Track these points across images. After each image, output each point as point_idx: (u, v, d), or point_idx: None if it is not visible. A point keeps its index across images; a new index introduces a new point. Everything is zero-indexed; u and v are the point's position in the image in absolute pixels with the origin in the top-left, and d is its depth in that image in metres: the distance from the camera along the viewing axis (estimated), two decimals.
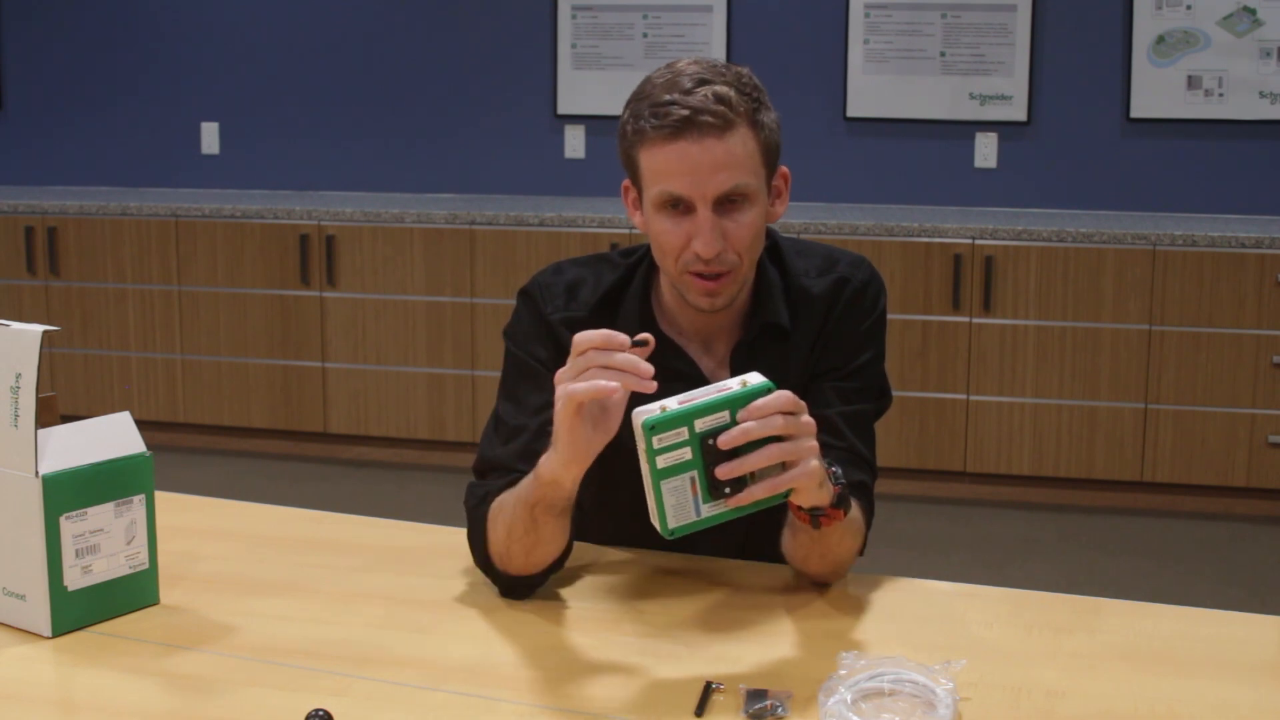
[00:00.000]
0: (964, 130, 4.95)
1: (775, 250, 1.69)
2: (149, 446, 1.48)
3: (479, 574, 1.58)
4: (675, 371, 1.61)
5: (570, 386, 1.33)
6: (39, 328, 1.38)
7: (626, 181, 1.63)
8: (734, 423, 1.30)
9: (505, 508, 1.51)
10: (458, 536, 1.66)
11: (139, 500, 1.47)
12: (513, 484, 1.52)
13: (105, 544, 1.44)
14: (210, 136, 5.61)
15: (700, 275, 1.56)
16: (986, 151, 4.94)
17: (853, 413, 1.65)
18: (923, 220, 4.53)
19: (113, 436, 1.45)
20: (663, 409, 1.29)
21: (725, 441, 1.30)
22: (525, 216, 4.73)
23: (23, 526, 1.40)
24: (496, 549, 1.52)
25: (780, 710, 1.24)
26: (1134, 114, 4.80)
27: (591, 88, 5.21)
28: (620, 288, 1.69)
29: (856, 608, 1.53)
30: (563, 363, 1.60)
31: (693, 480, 1.31)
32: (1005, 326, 4.44)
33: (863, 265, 1.72)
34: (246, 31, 5.51)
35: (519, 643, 1.43)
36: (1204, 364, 4.33)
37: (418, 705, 1.28)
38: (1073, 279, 4.37)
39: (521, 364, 1.66)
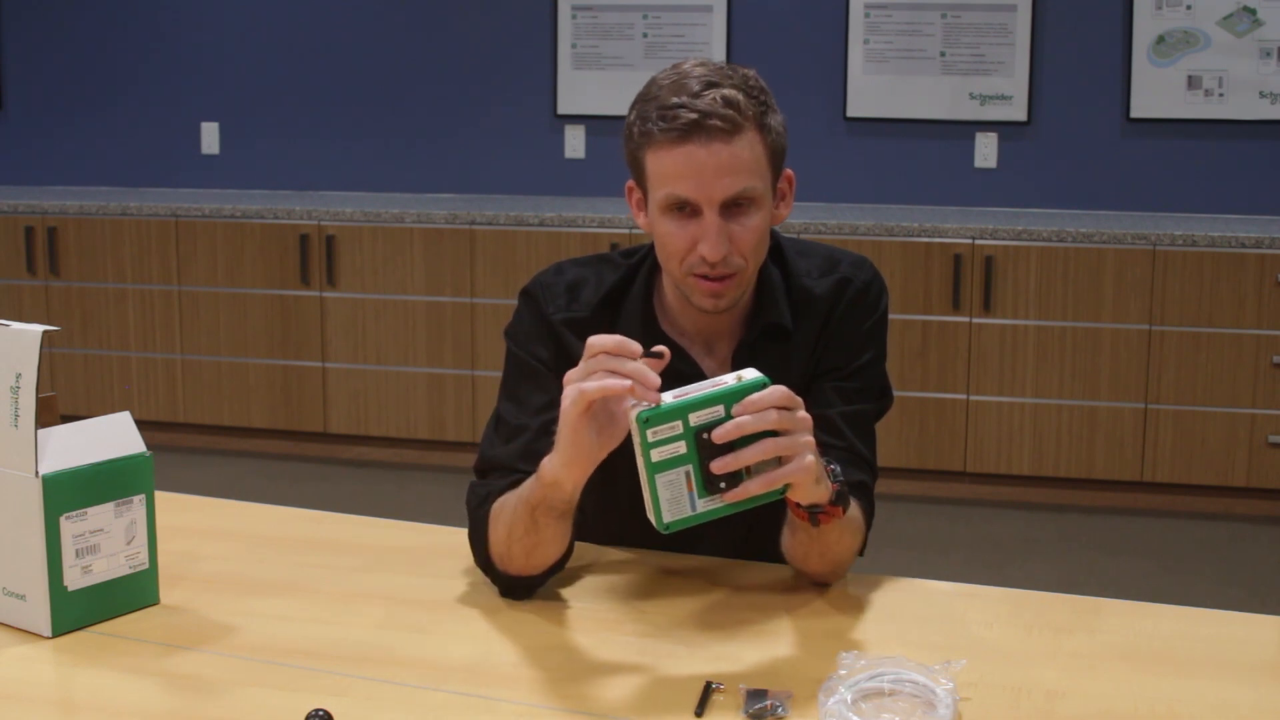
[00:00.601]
0: (964, 130, 4.95)
1: (777, 251, 1.69)
2: (149, 446, 1.48)
3: (479, 574, 1.58)
4: (677, 372, 1.61)
5: (582, 385, 1.33)
6: (39, 328, 1.37)
7: (631, 182, 1.63)
8: (729, 417, 1.30)
9: (507, 508, 1.51)
10: (458, 536, 1.66)
11: (139, 500, 1.47)
12: (515, 484, 1.52)
13: (105, 544, 1.44)
14: (210, 136, 5.61)
15: (705, 277, 1.56)
16: (986, 151, 4.94)
17: (853, 413, 1.65)
18: (923, 220, 4.53)
19: (113, 436, 1.45)
20: (657, 403, 1.30)
21: (720, 435, 1.30)
22: (525, 216, 4.73)
23: (23, 526, 1.40)
24: (497, 549, 1.52)
25: (780, 710, 1.24)
26: (1134, 114, 4.80)
27: (591, 88, 5.21)
28: (622, 288, 1.69)
29: (856, 608, 1.53)
30: (564, 363, 1.61)
31: (688, 475, 1.31)
32: (1005, 326, 4.44)
33: (865, 266, 1.72)
34: (246, 31, 5.51)
35: (519, 643, 1.43)
36: (1204, 364, 4.33)
37: (418, 705, 1.28)
38: (1073, 279, 4.37)
39: (523, 364, 1.66)
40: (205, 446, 5.14)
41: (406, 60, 5.39)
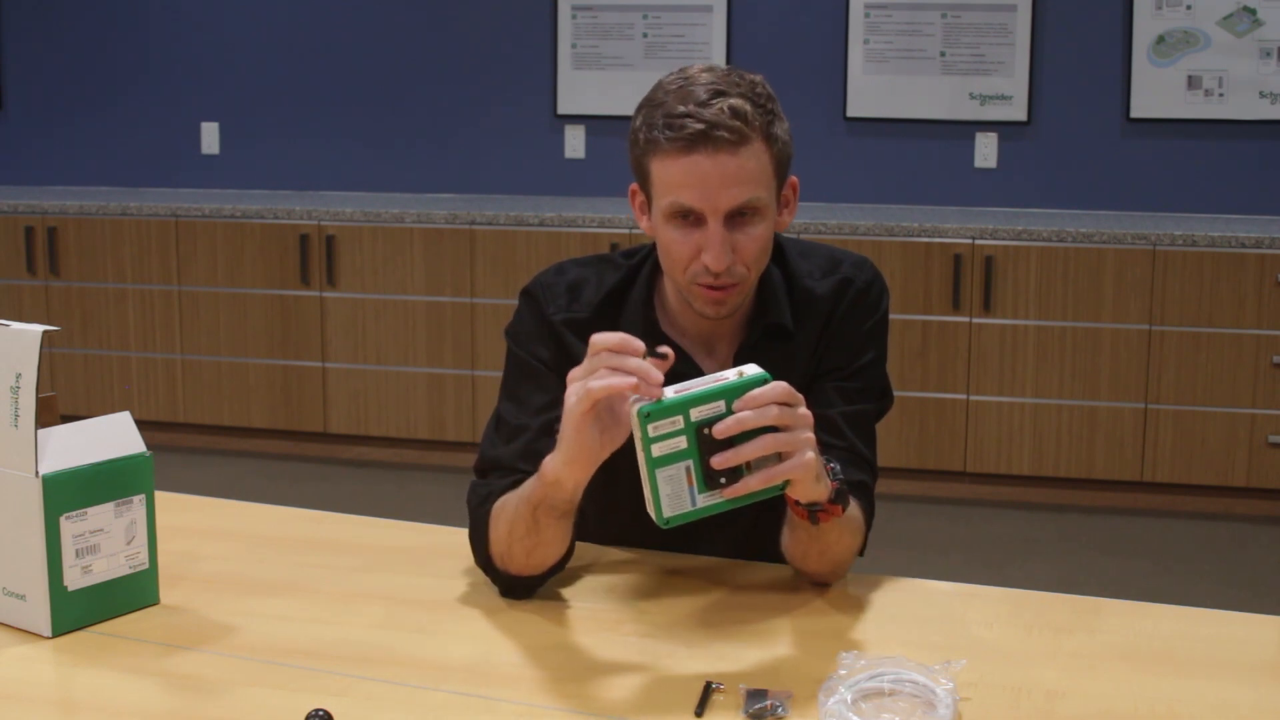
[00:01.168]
0: (964, 130, 4.95)
1: (778, 252, 1.69)
2: (149, 446, 1.48)
3: (479, 574, 1.58)
4: (678, 373, 1.60)
5: (588, 384, 1.33)
6: (39, 328, 1.37)
7: (634, 185, 1.62)
8: (729, 413, 1.31)
9: (508, 508, 1.51)
10: (458, 536, 1.66)
11: (139, 500, 1.47)
12: (516, 484, 1.52)
13: (105, 544, 1.44)
14: (210, 136, 5.61)
15: (708, 286, 1.56)
16: (986, 151, 4.94)
17: (854, 413, 1.65)
18: (923, 220, 4.54)
19: (113, 436, 1.45)
20: (659, 398, 1.30)
21: (720, 431, 1.30)
22: (525, 216, 4.73)
23: (23, 526, 1.40)
24: (498, 548, 1.52)
25: (780, 710, 1.24)
26: (1134, 114, 4.80)
27: (591, 88, 5.21)
28: (623, 289, 1.69)
29: (856, 608, 1.53)
30: (564, 363, 1.61)
31: (688, 470, 1.31)
32: (1005, 326, 4.44)
33: (866, 266, 1.72)
34: (246, 31, 5.51)
35: (519, 643, 1.43)
36: (1204, 364, 4.33)
37: (418, 705, 1.28)
38: (1073, 279, 4.37)
39: (523, 364, 1.66)
40: (205, 446, 5.14)
41: (406, 60, 5.39)
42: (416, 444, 4.98)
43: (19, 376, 1.39)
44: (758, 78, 1.55)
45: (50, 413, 1.50)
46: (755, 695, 1.26)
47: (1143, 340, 4.35)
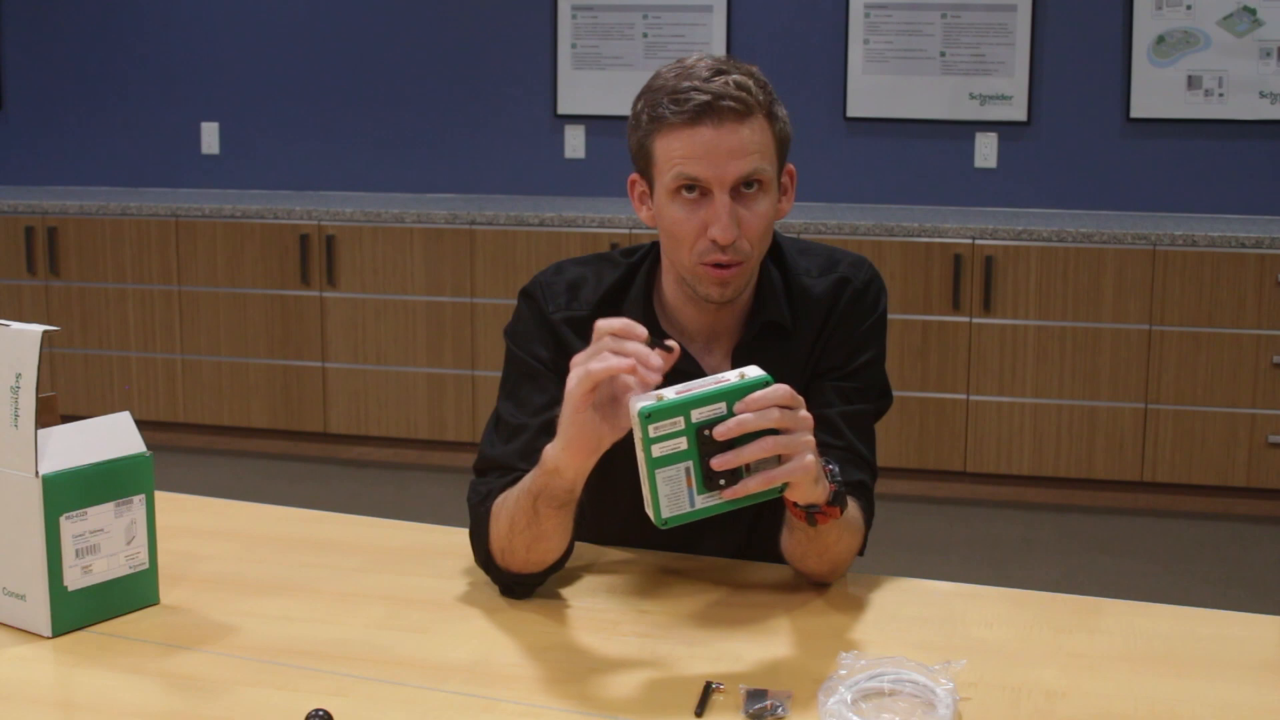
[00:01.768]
0: (964, 130, 4.95)
1: (776, 250, 1.69)
2: (149, 446, 1.48)
3: (479, 574, 1.58)
4: (677, 370, 1.60)
5: (589, 365, 1.33)
6: (39, 328, 1.38)
7: (634, 175, 1.63)
8: (730, 414, 1.31)
9: (509, 503, 1.51)
10: (458, 536, 1.66)
11: (139, 500, 1.47)
12: (515, 483, 1.52)
13: (105, 544, 1.44)
14: (210, 136, 5.61)
15: (713, 265, 1.56)
16: (986, 151, 4.94)
17: (853, 412, 1.66)
18: (923, 220, 4.53)
19: (113, 436, 1.45)
20: (659, 398, 1.30)
21: (721, 433, 1.30)
22: (525, 216, 4.73)
23: (23, 526, 1.40)
24: (498, 544, 1.52)
25: (780, 710, 1.24)
26: (1134, 114, 4.80)
27: (591, 88, 5.21)
28: (622, 287, 1.69)
29: (856, 608, 1.53)
30: (564, 362, 1.61)
31: (688, 471, 1.31)
32: (1005, 326, 4.44)
33: (864, 266, 1.72)
34: (246, 31, 5.51)
35: (519, 642, 1.43)
36: (1204, 364, 4.33)
37: (418, 705, 1.28)
38: (1073, 279, 4.37)
39: (522, 364, 1.67)
40: (205, 446, 5.14)
41: (406, 60, 5.39)
42: (416, 444, 4.98)
43: (19, 376, 1.39)
44: (754, 67, 1.58)
45: (50, 413, 1.50)
46: (755, 695, 1.26)
47: (1143, 340, 4.35)
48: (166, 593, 1.52)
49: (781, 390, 1.32)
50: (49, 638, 1.41)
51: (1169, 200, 4.83)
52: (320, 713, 1.21)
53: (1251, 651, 1.42)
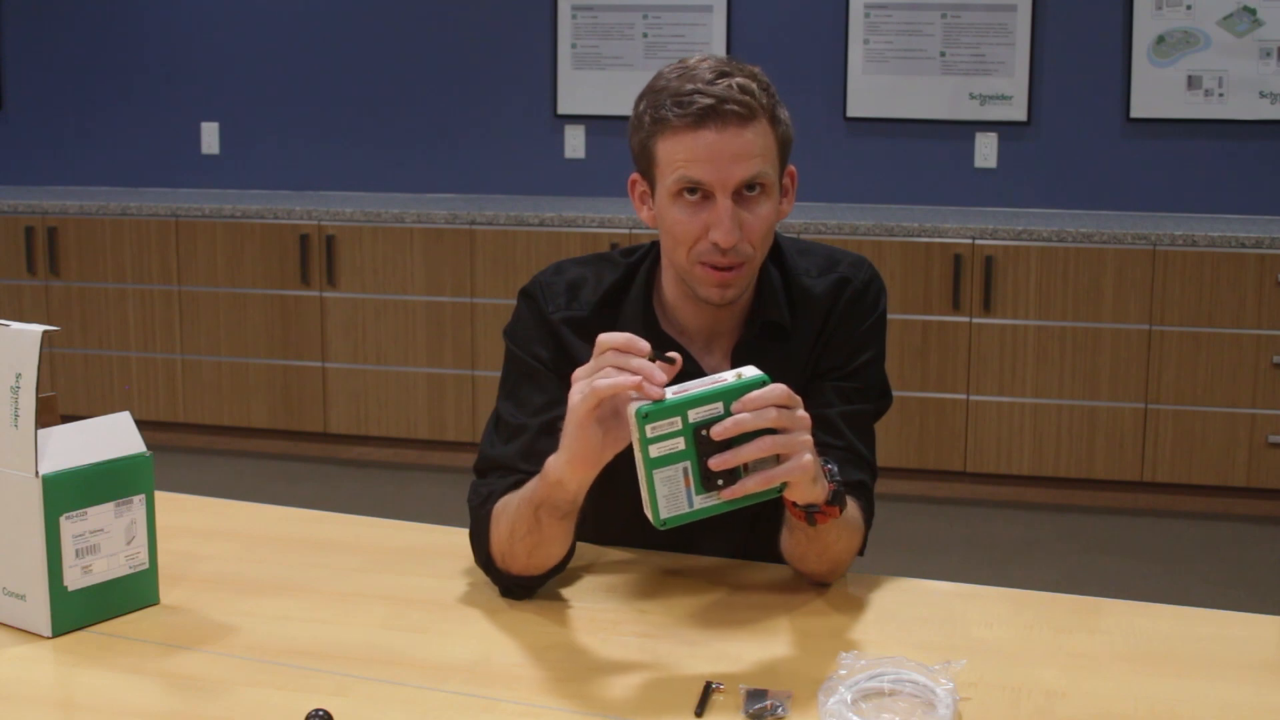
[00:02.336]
0: (964, 130, 4.95)
1: (776, 250, 1.69)
2: (149, 446, 1.48)
3: (479, 574, 1.58)
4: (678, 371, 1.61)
5: (594, 383, 1.33)
6: (39, 328, 1.37)
7: (635, 175, 1.63)
8: (728, 414, 1.30)
9: (510, 508, 1.51)
10: (458, 536, 1.66)
11: (139, 500, 1.47)
12: (516, 484, 1.52)
13: (105, 544, 1.44)
14: (210, 136, 5.61)
15: (713, 266, 1.56)
16: (986, 151, 4.94)
17: (852, 412, 1.65)
18: (923, 220, 4.53)
19: (113, 436, 1.45)
20: (660, 399, 1.30)
21: (718, 432, 1.30)
22: (525, 216, 4.73)
23: (23, 526, 1.40)
24: (499, 548, 1.52)
25: (780, 710, 1.24)
26: (1134, 114, 4.80)
27: (591, 88, 5.21)
28: (622, 287, 1.69)
29: (856, 608, 1.53)
30: (563, 362, 1.61)
31: (685, 471, 1.31)
32: (1005, 326, 4.44)
33: (864, 266, 1.72)
34: (246, 32, 5.51)
35: (519, 643, 1.43)
36: (1204, 364, 4.33)
37: (418, 705, 1.28)
38: (1073, 279, 4.37)
39: (522, 364, 1.66)
40: (205, 446, 5.14)
41: (407, 60, 5.38)
42: (416, 444, 4.98)
43: (19, 376, 1.39)
44: (756, 68, 1.57)
45: (50, 413, 1.50)
46: (755, 695, 1.26)
47: (1143, 340, 4.35)
48: (166, 593, 1.52)
49: (779, 390, 1.32)
50: (49, 638, 1.41)
51: (1169, 200, 4.83)
52: (320, 713, 1.21)
53: (1251, 651, 1.42)
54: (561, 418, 1.40)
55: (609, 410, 1.35)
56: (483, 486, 1.60)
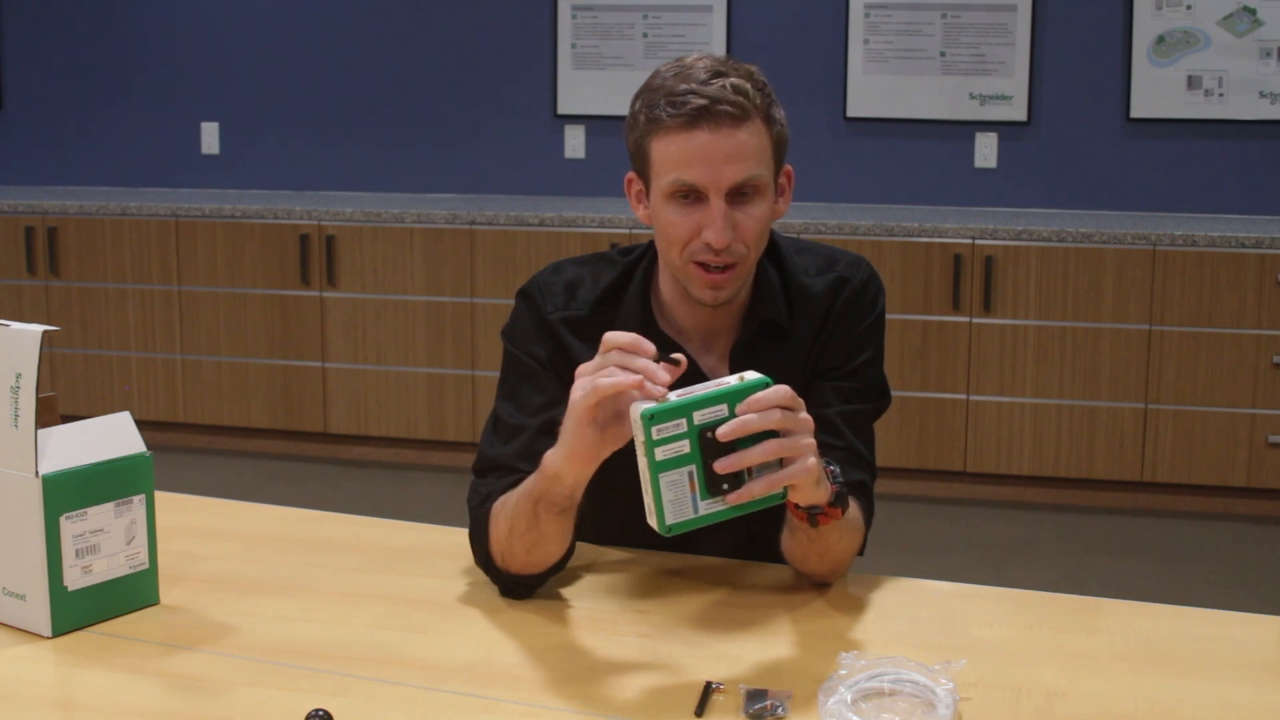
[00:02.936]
0: (964, 130, 4.95)
1: (774, 249, 1.69)
2: (149, 446, 1.48)
3: (479, 574, 1.58)
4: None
5: (596, 380, 1.33)
6: (39, 328, 1.37)
7: (631, 174, 1.63)
8: (733, 416, 1.30)
9: (508, 505, 1.51)
10: (458, 536, 1.66)
11: (139, 500, 1.47)
12: (515, 484, 1.52)
13: (105, 544, 1.44)
14: (210, 136, 5.61)
15: (706, 267, 1.56)
16: (986, 151, 4.94)
17: (852, 412, 1.65)
18: (923, 220, 4.53)
19: (113, 436, 1.45)
20: (663, 400, 1.29)
21: (724, 433, 1.29)
22: (525, 216, 4.73)
23: (23, 526, 1.40)
24: (498, 546, 1.52)
25: (780, 710, 1.24)
26: (1134, 114, 4.80)
27: (591, 88, 5.21)
28: (620, 286, 1.69)
29: (856, 608, 1.53)
30: (562, 362, 1.61)
31: (691, 475, 1.30)
32: (1005, 326, 4.44)
33: (862, 265, 1.72)
34: (246, 32, 5.51)
35: (519, 643, 1.43)
36: (1204, 364, 4.33)
37: (418, 705, 1.28)
38: (1073, 279, 4.37)
39: (521, 364, 1.66)
40: (205, 446, 5.14)
41: (406, 60, 5.38)
42: (416, 444, 4.98)
43: (19, 376, 1.39)
44: (753, 66, 1.57)
45: (50, 413, 1.50)
46: (755, 695, 1.26)
47: (1143, 340, 4.35)
48: (166, 593, 1.52)
49: (782, 391, 1.32)
50: (49, 638, 1.41)
51: (1169, 200, 4.83)
52: (320, 713, 1.21)
53: (1251, 651, 1.42)
54: (560, 417, 1.40)
55: (610, 409, 1.35)
56: (482, 486, 1.60)
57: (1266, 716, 1.27)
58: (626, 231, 4.61)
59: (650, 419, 1.28)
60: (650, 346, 1.34)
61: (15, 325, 1.40)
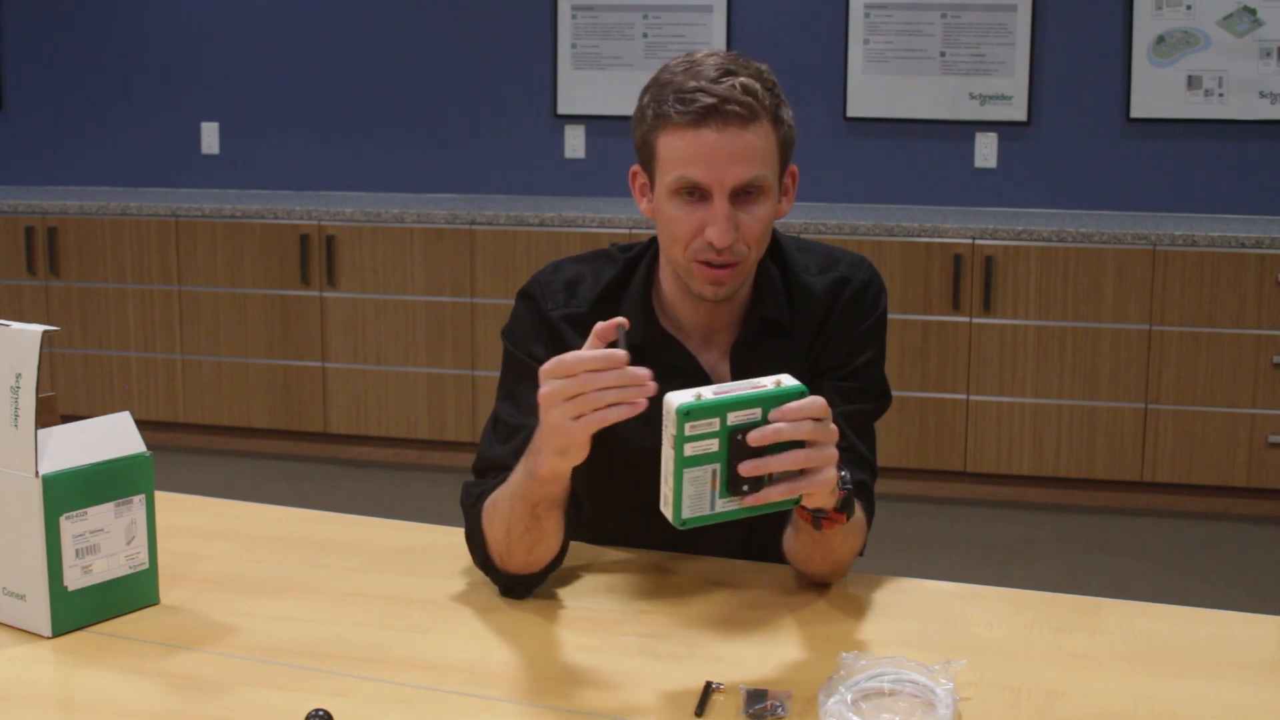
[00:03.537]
0: (964, 130, 4.94)
1: (775, 246, 1.69)
2: (149, 446, 1.48)
3: (479, 574, 1.58)
4: (674, 367, 1.61)
5: (606, 414, 1.31)
6: (39, 328, 1.37)
7: (636, 167, 1.63)
8: (765, 421, 1.30)
9: (501, 508, 1.51)
10: (458, 536, 1.66)
11: (139, 500, 1.47)
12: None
13: (105, 544, 1.44)
14: (210, 136, 5.61)
15: (708, 264, 1.56)
16: (986, 151, 4.94)
17: (853, 412, 1.66)
18: (923, 220, 4.53)
19: (113, 436, 1.45)
20: (698, 396, 1.28)
21: (755, 438, 1.29)
22: (525, 216, 4.73)
23: (23, 526, 1.40)
24: (496, 548, 1.52)
25: (780, 710, 1.24)
26: (1134, 114, 4.80)
27: (591, 88, 5.21)
28: (620, 283, 1.69)
29: (856, 608, 1.53)
30: None
31: (714, 473, 1.30)
32: (1005, 326, 4.44)
33: (863, 265, 1.72)
34: (246, 32, 5.51)
35: (519, 643, 1.43)
36: (1204, 364, 4.33)
37: (418, 705, 1.28)
38: (1073, 279, 4.37)
39: (520, 364, 1.67)
40: (205, 446, 5.14)
41: (407, 60, 5.38)
42: (416, 444, 4.98)
43: (19, 376, 1.39)
44: (763, 65, 1.57)
45: (50, 413, 1.50)
46: (755, 695, 1.26)
47: (1143, 340, 4.35)
48: (166, 593, 1.52)
49: (816, 402, 1.31)
50: (49, 638, 1.41)
51: (1169, 200, 4.83)
52: (320, 713, 1.21)
53: (1251, 651, 1.42)
54: None
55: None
56: (475, 487, 1.60)
57: (1266, 716, 1.27)
58: (626, 231, 4.61)
59: (686, 415, 1.27)
60: (621, 355, 1.32)
61: (15, 325, 1.40)
